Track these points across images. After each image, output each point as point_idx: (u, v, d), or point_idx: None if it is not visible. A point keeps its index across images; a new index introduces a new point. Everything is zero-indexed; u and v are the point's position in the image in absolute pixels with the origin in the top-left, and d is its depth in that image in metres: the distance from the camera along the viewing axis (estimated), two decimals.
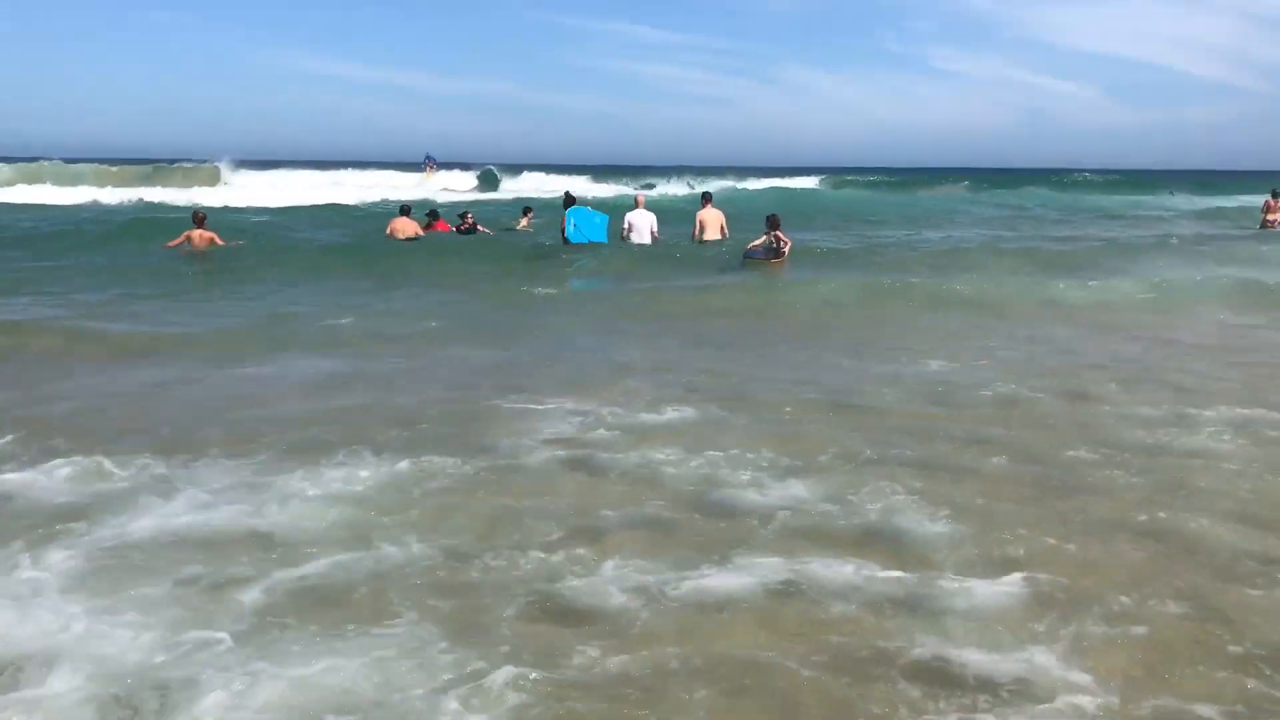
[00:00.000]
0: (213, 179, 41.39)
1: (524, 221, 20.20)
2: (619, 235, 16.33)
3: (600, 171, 52.78)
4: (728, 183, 44.22)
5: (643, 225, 16.27)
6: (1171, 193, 47.20)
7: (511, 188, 44.14)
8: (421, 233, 17.85)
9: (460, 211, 19.55)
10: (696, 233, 16.38)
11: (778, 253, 14.13)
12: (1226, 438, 5.75)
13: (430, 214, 19.23)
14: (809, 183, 49.71)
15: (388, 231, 17.63)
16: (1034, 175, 63.80)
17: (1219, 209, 33.94)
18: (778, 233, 14.16)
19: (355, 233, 19.73)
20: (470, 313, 10.79)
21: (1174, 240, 19.20)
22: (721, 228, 16.42)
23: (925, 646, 3.33)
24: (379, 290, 12.38)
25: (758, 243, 14.34)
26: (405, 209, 18.70)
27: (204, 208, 19.50)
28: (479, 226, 18.61)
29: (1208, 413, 6.27)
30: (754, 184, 45.36)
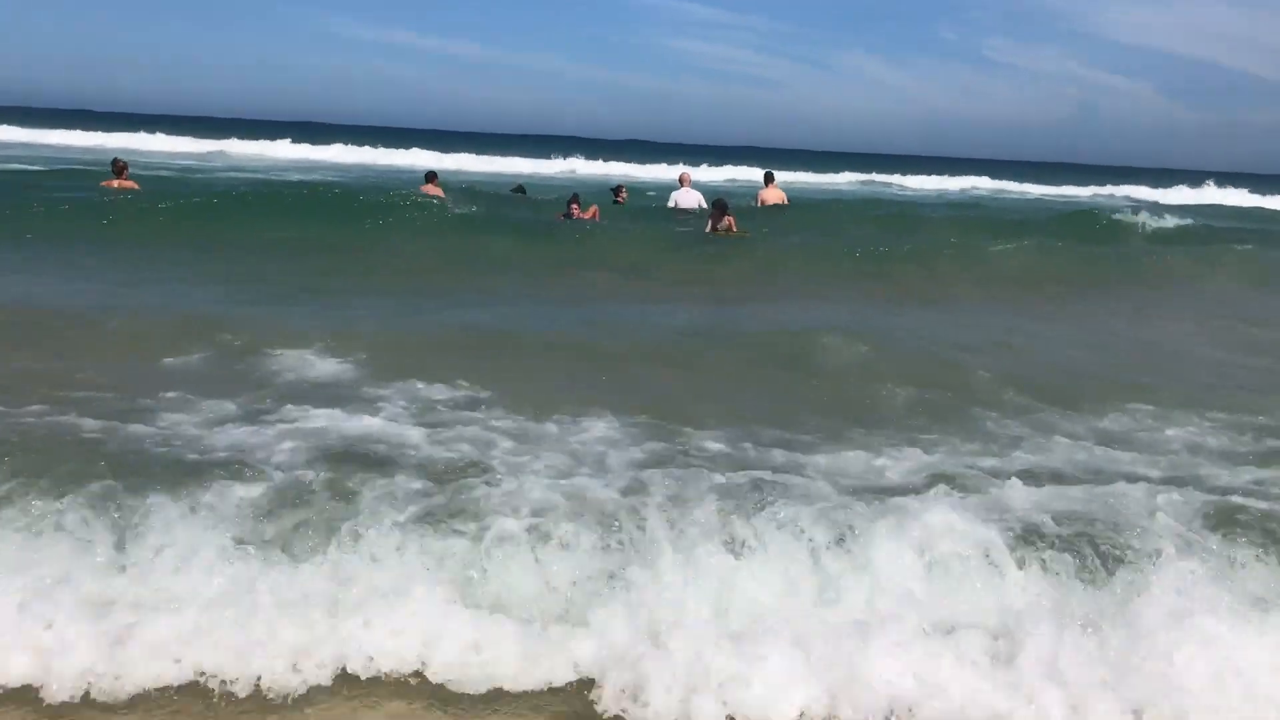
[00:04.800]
0: None
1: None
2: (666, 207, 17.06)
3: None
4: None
5: (689, 201, 16.71)
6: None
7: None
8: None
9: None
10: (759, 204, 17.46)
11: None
12: None
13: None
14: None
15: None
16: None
17: None
18: (729, 218, 14.32)
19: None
20: None
21: None
22: (781, 200, 17.69)
23: None
24: None
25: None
26: (431, 175, 17.97)
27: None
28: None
29: None
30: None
